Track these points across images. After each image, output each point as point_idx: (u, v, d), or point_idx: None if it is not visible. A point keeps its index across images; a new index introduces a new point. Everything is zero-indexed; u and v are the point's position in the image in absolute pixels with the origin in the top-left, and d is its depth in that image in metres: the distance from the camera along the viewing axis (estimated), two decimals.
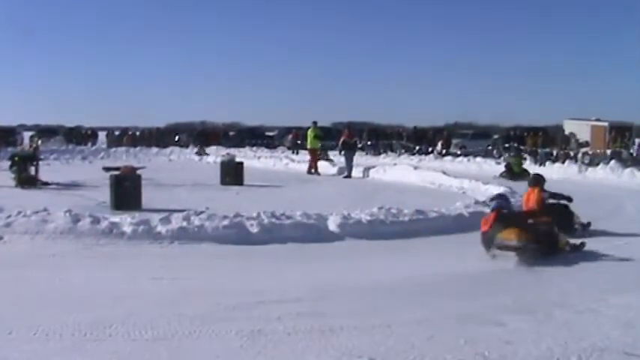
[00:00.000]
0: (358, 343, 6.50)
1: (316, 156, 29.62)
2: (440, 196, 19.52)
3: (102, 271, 9.68)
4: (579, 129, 44.01)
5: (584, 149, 38.87)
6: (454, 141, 50.02)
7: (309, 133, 29.96)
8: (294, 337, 6.68)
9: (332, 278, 9.36)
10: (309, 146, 30.15)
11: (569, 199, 13.63)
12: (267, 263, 10.50)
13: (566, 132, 44.33)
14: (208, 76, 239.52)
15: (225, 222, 12.28)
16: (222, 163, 25.07)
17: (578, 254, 11.21)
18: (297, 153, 47.07)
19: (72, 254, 10.83)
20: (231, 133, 70.95)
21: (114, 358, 6.09)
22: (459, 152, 44.70)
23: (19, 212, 12.65)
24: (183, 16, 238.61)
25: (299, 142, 50.37)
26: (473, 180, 22.50)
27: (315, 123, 30.28)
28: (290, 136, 55.90)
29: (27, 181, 22.02)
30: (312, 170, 29.04)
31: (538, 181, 13.68)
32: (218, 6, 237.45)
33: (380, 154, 45.55)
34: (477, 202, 15.86)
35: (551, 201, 13.44)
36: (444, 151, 44.25)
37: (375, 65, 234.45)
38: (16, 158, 23.12)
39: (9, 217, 12.46)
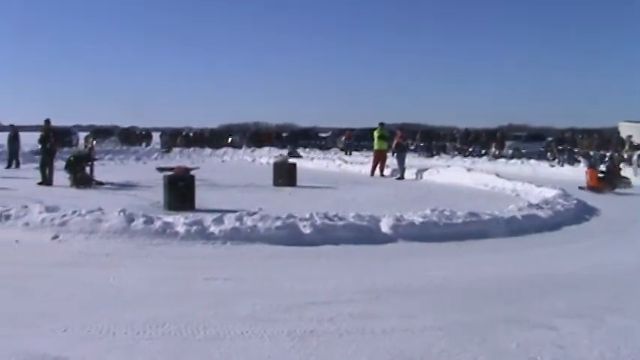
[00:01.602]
0: (410, 345, 6.47)
1: (380, 157, 29.37)
2: (493, 199, 19.46)
3: (155, 270, 9.73)
4: (635, 131, 43.32)
5: (639, 152, 38.37)
6: (508, 143, 49.75)
7: (375, 133, 29.77)
8: (346, 339, 6.66)
9: (384, 280, 9.31)
10: (375, 147, 29.96)
11: (603, 172, 24.24)
12: (320, 264, 10.47)
13: (622, 134, 43.66)
14: (262, 77, 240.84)
15: (278, 223, 12.28)
16: (275, 165, 25.10)
17: (630, 260, 11.39)
18: (350, 154, 47.06)
19: (126, 254, 10.91)
20: (285, 134, 71.18)
21: (166, 357, 6.11)
22: (512, 154, 44.41)
23: (74, 211, 12.78)
24: (236, 17, 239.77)
25: (357, 143, 50.47)
26: (526, 182, 22.32)
27: (382, 124, 30.04)
28: (343, 137, 55.94)
29: (82, 180, 22.24)
30: (381, 172, 28.85)
31: (594, 165, 25.48)
32: (273, 6, 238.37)
33: (433, 155, 45.38)
34: (530, 205, 15.71)
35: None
36: (497, 153, 43.97)
37: (428, 66, 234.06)
38: (72, 158, 23.37)
39: (64, 216, 12.60)
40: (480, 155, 43.79)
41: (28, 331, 6.85)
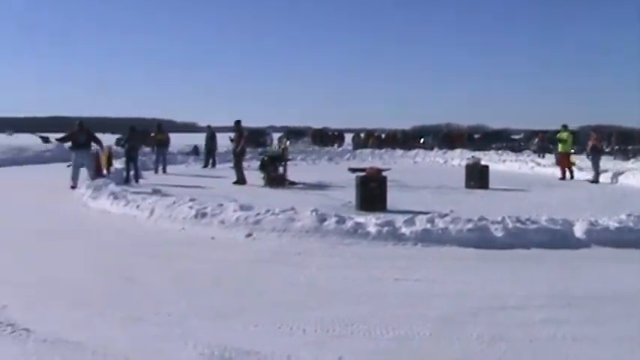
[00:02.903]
0: (601, 355, 6.30)
1: (563, 160, 28.73)
2: None
3: (346, 270, 9.84)
4: None
5: None
6: None
7: (558, 136, 29.18)
8: (535, 345, 6.55)
9: (577, 286, 9.08)
10: (559, 150, 29.37)
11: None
12: (511, 268, 10.29)
13: None
14: (454, 77, 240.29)
15: (470, 225, 12.18)
16: (467, 167, 24.88)
17: None
18: (544, 156, 46.15)
19: (317, 253, 11.09)
20: (476, 136, 70.47)
21: (355, 355, 6.19)
22: None
23: (268, 210, 13.12)
24: (427, 16, 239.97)
25: (550, 145, 49.46)
26: None
27: (564, 126, 29.39)
28: (536, 139, 54.89)
29: (276, 180, 22.78)
30: (567, 175, 28.20)
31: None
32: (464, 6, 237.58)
33: (629, 158, 43.81)
34: None
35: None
36: None
37: (626, 64, 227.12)
38: (266, 159, 23.97)
39: (258, 214, 12.95)
40: None
41: (223, 325, 7.10)
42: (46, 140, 39.69)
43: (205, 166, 34.01)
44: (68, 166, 27.94)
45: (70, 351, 6.29)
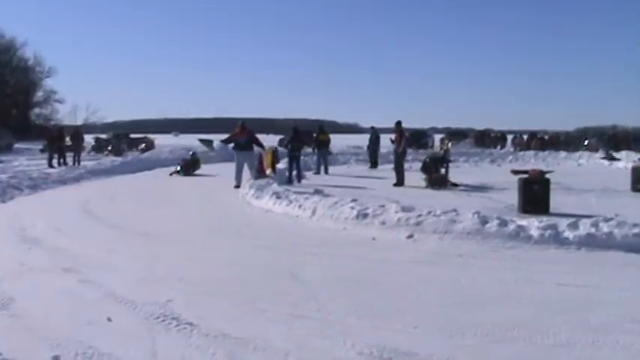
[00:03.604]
0: None
1: None
2: None
3: (507, 273, 9.74)
4: None
5: None
6: None
7: None
8: None
9: None
10: None
11: None
12: None
13: None
14: (620, 76, 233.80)
15: (636, 230, 11.79)
16: (634, 169, 24.15)
17: None
18: None
19: (478, 255, 11.02)
20: None
21: None
22: None
23: (429, 212, 13.11)
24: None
25: None
26: None
27: None
28: None
29: (437, 181, 22.76)
30: None
31: None
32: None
33: None
34: None
35: None
36: None
37: None
38: (428, 160, 24.02)
39: (419, 216, 12.96)
40: None
41: (382, 325, 7.16)
42: (208, 144, 40.59)
43: (371, 166, 34.31)
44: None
45: (232, 345, 6.48)
